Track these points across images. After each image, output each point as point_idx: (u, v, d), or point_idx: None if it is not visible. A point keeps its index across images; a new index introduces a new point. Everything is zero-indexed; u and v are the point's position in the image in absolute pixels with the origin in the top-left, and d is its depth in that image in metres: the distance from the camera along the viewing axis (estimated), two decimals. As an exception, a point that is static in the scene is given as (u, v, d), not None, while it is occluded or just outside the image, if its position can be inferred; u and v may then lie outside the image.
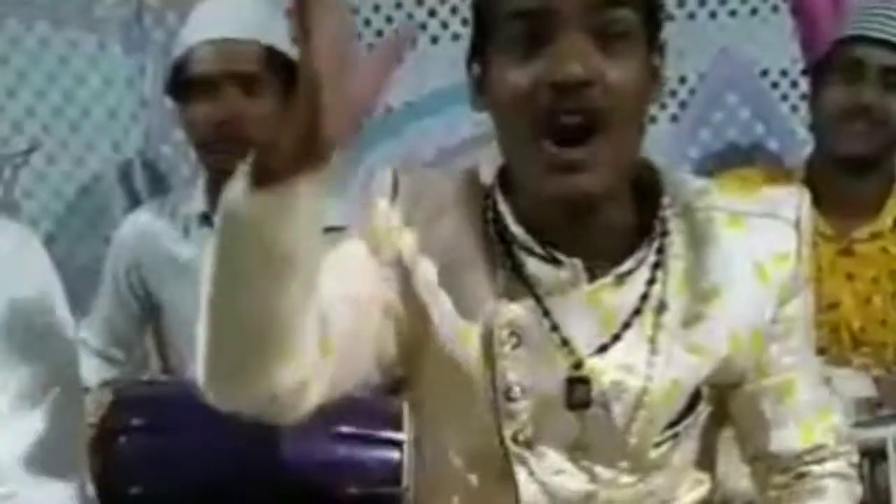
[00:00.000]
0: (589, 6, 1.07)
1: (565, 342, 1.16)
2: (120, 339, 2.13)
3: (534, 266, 1.16)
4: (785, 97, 2.62)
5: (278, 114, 1.99)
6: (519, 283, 1.17)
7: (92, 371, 2.00)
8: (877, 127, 2.09)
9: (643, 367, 1.16)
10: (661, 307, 1.16)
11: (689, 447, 1.24)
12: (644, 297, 1.17)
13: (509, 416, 1.18)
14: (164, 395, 1.92)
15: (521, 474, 1.20)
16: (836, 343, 2.07)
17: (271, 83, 1.97)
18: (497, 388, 1.18)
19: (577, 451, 1.20)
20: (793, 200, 1.22)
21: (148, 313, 2.11)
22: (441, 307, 1.18)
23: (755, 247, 1.18)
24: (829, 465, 1.27)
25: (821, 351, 1.96)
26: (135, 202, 2.34)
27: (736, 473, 1.39)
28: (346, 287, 1.14)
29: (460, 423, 1.22)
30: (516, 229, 1.16)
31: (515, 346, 1.17)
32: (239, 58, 1.95)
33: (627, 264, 1.16)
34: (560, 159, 1.08)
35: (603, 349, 1.17)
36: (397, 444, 1.57)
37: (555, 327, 1.16)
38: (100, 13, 2.34)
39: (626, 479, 1.21)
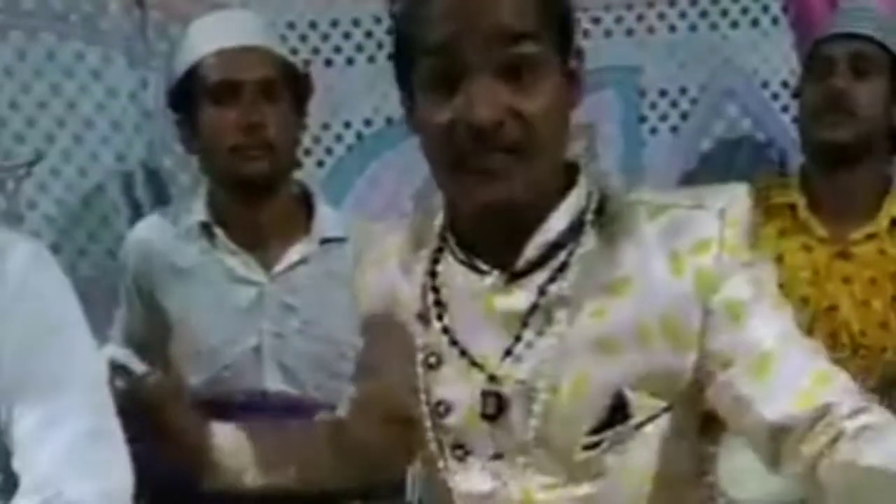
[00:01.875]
0: (495, 41, 1.10)
1: (474, 363, 1.20)
2: (140, 348, 2.11)
3: (457, 278, 1.22)
4: (785, 108, 2.63)
5: (291, 120, 2.02)
6: (432, 305, 1.23)
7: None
8: (849, 117, 2.11)
9: (546, 365, 1.16)
10: (561, 303, 1.16)
11: (637, 459, 1.18)
12: (541, 294, 1.17)
13: (443, 431, 1.23)
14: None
15: (453, 484, 1.23)
16: (835, 347, 2.07)
17: (286, 89, 2.01)
18: (430, 405, 1.23)
19: (496, 456, 1.21)
20: (724, 193, 1.18)
21: (157, 322, 2.11)
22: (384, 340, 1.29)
23: (673, 238, 1.15)
24: (863, 418, 1.08)
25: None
26: (138, 213, 2.35)
27: (739, 480, 1.37)
28: None
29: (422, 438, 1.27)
30: (449, 238, 1.23)
31: (435, 367, 1.22)
32: (258, 64, 1.99)
33: (515, 268, 1.18)
34: (482, 167, 1.11)
35: (507, 353, 1.19)
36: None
37: (463, 352, 1.21)
38: (104, 26, 2.35)
39: (550, 480, 1.19)
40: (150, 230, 2.11)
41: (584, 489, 1.19)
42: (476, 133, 1.10)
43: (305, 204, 2.11)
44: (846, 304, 2.11)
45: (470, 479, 1.22)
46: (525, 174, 1.12)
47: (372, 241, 1.35)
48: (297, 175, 2.12)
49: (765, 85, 2.63)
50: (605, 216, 1.19)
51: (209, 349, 2.04)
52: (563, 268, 1.17)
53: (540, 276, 1.18)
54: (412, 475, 1.46)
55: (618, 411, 1.17)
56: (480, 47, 1.10)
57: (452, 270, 1.22)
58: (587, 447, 1.17)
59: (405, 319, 1.26)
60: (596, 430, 1.17)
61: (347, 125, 2.47)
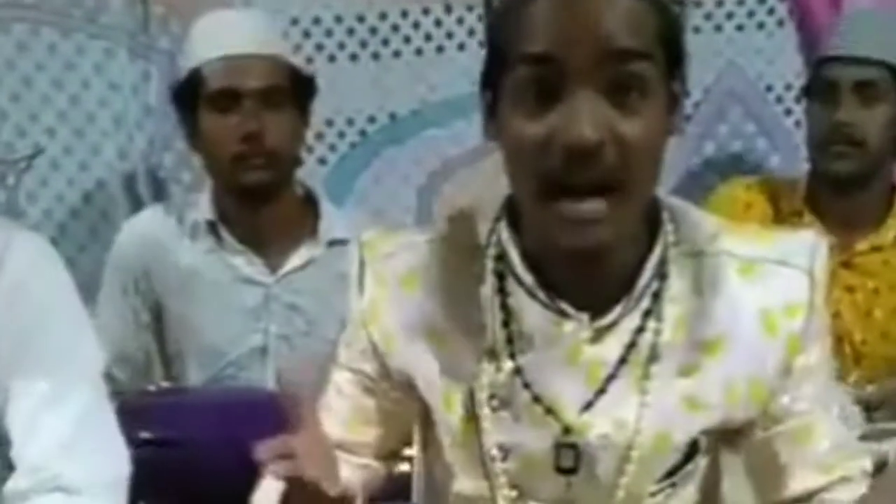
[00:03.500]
0: (605, 59, 1.00)
1: (549, 410, 1.12)
2: (123, 356, 2.08)
3: (533, 317, 1.12)
4: (789, 112, 2.62)
5: (295, 125, 2.01)
6: (505, 341, 1.13)
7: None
8: (856, 147, 2.08)
9: (631, 419, 1.11)
10: (653, 357, 1.11)
11: (688, 493, 1.18)
12: (631, 346, 1.11)
13: (496, 476, 1.15)
14: (170, 406, 1.92)
15: None
16: (837, 355, 2.06)
17: (289, 96, 2.00)
18: (483, 448, 1.15)
19: None
20: (807, 247, 1.15)
21: (154, 317, 2.10)
22: (423, 374, 1.18)
23: (765, 296, 1.12)
24: (845, 493, 1.16)
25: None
26: (138, 209, 2.33)
27: (739, 495, 1.37)
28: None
29: (457, 474, 1.20)
30: (524, 275, 1.12)
31: (496, 409, 1.13)
32: (260, 72, 1.97)
33: (609, 317, 1.10)
34: (575, 214, 1.02)
35: (588, 406, 1.12)
36: (407, 458, 1.57)
37: (536, 398, 1.12)
38: (107, 20, 2.35)
39: None
40: (153, 224, 2.09)
41: None
42: (575, 154, 1.00)
43: (310, 205, 2.10)
44: (848, 314, 2.10)
45: None
46: (618, 217, 1.03)
47: (389, 254, 1.21)
48: (300, 172, 2.12)
49: (769, 88, 2.62)
50: (690, 259, 1.12)
51: (213, 348, 2.03)
52: (649, 313, 1.11)
53: (628, 323, 1.11)
54: (417, 479, 1.44)
55: (688, 456, 1.15)
56: (588, 61, 0.99)
57: (524, 305, 1.12)
58: (654, 493, 1.15)
59: (450, 352, 1.16)
60: (666, 476, 1.14)
61: (351, 122, 2.46)
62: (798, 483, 1.16)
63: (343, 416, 1.25)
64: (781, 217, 2.16)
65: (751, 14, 2.59)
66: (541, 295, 1.11)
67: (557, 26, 1.01)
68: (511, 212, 1.15)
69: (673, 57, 1.05)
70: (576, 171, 1.01)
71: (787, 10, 2.59)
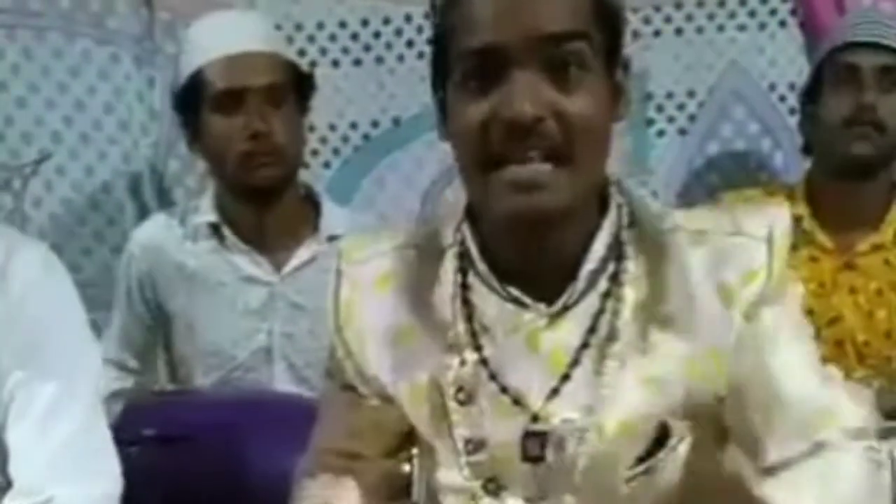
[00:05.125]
0: (539, 43, 1.05)
1: (516, 401, 1.14)
2: (136, 349, 2.14)
3: (493, 310, 1.14)
4: (793, 111, 2.62)
5: (297, 123, 2.02)
6: (468, 335, 1.15)
7: (109, 380, 2.02)
8: (877, 130, 2.09)
9: (591, 402, 1.12)
10: (611, 337, 1.12)
11: (665, 481, 1.17)
12: (591, 330, 1.13)
13: (471, 468, 1.17)
14: (175, 406, 1.93)
15: None
16: (840, 357, 2.06)
17: (290, 93, 2.01)
18: (455, 441, 1.17)
19: (539, 497, 1.16)
20: (765, 217, 1.16)
21: (159, 323, 2.11)
22: (392, 373, 1.20)
23: (720, 268, 1.13)
24: (839, 454, 1.14)
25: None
26: (144, 214, 2.35)
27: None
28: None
29: (440, 466, 1.21)
30: (480, 265, 1.15)
31: (463, 403, 1.15)
32: (263, 70, 1.98)
33: (560, 301, 1.13)
34: (518, 176, 1.06)
35: (555, 392, 1.14)
36: (407, 458, 1.57)
37: (503, 389, 1.14)
38: (112, 25, 2.35)
39: None
40: (156, 230, 2.11)
41: None
42: (515, 129, 1.04)
43: (311, 204, 2.11)
44: (851, 315, 2.10)
45: None
46: (563, 184, 1.06)
47: (365, 259, 1.24)
48: (304, 176, 2.12)
49: (772, 87, 2.62)
50: (644, 239, 1.15)
51: (219, 350, 2.04)
52: (607, 294, 1.13)
53: (586, 307, 1.13)
54: (417, 475, 1.44)
55: (659, 440, 1.15)
56: (525, 43, 1.04)
57: (484, 299, 1.15)
58: (629, 479, 1.14)
59: (416, 349, 1.18)
60: (639, 461, 1.14)
61: (354, 126, 2.47)
62: (777, 451, 1.14)
63: (338, 427, 1.26)
64: None
65: (752, 14, 2.58)
66: (496, 285, 1.14)
67: (493, 18, 1.05)
68: (471, 211, 1.19)
69: (611, 38, 1.10)
70: (517, 146, 1.05)
71: (790, 10, 2.59)
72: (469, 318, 1.16)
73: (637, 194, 1.18)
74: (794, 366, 1.16)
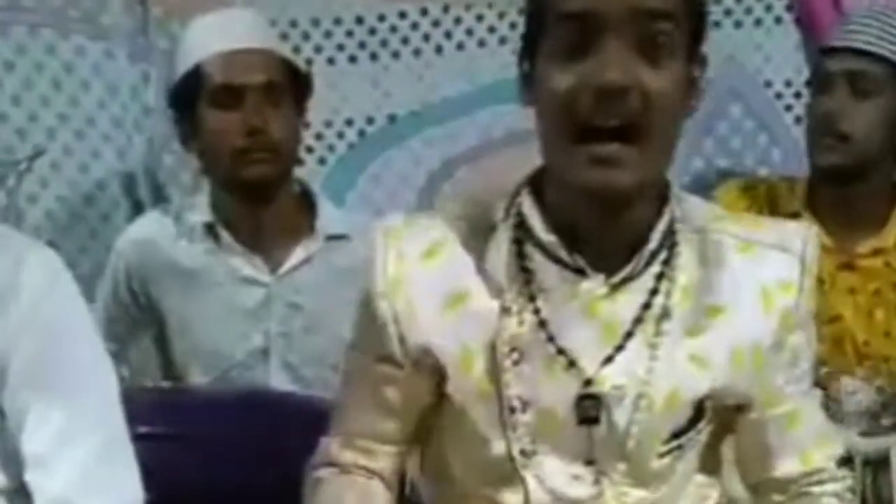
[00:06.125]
0: (635, 16, 1.09)
1: (572, 363, 1.19)
2: (121, 355, 2.13)
3: (552, 277, 1.19)
4: (789, 108, 2.62)
5: (294, 121, 2.01)
6: (525, 299, 1.20)
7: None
8: (842, 141, 2.05)
9: (644, 373, 1.18)
10: (664, 315, 1.19)
11: (691, 458, 1.26)
12: (646, 306, 1.19)
13: (514, 429, 1.20)
14: (170, 403, 1.93)
15: (531, 482, 1.21)
16: (839, 356, 2.06)
17: (288, 91, 2.01)
18: (502, 401, 1.20)
19: (585, 461, 1.21)
20: (800, 235, 1.25)
21: (149, 320, 2.11)
22: (442, 340, 1.22)
23: (762, 274, 1.22)
24: (829, 487, 1.31)
25: (823, 363, 1.96)
26: (139, 211, 2.34)
27: (734, 479, 1.40)
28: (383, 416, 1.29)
29: (468, 437, 1.24)
30: (545, 235, 1.19)
31: (517, 363, 1.19)
32: (261, 67, 1.98)
33: (621, 274, 1.18)
34: (596, 154, 1.11)
35: (608, 360, 1.19)
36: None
37: (560, 351, 1.19)
38: (106, 21, 2.34)
39: (629, 489, 1.22)
40: (150, 228, 2.10)
41: (653, 495, 1.24)
42: (603, 95, 1.09)
43: (307, 203, 2.11)
44: (850, 315, 2.09)
45: (554, 479, 1.22)
46: (637, 162, 1.11)
47: (410, 234, 1.26)
48: (299, 173, 2.12)
49: (768, 84, 2.62)
50: (695, 240, 1.21)
51: (215, 350, 2.04)
52: (661, 276, 1.20)
53: (641, 284, 1.19)
54: (410, 472, 1.45)
55: (693, 420, 1.23)
56: (621, 16, 1.09)
57: (542, 266, 1.20)
58: (662, 455, 1.22)
59: (469, 313, 1.21)
60: (673, 437, 1.22)
61: (350, 123, 2.46)
62: (780, 467, 1.31)
63: (367, 405, 1.30)
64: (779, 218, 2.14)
65: (749, 11, 2.58)
66: (561, 253, 1.19)
67: None
68: (534, 183, 1.23)
69: (696, 28, 1.15)
70: (603, 111, 1.10)
71: (786, 6, 2.59)
72: (526, 282, 1.20)
73: (689, 198, 1.25)
74: (811, 390, 1.33)
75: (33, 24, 2.32)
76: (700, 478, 1.29)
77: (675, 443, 1.22)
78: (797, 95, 2.58)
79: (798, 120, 2.57)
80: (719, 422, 1.27)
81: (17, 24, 2.31)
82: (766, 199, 2.18)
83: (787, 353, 1.24)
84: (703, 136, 2.61)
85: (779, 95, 2.62)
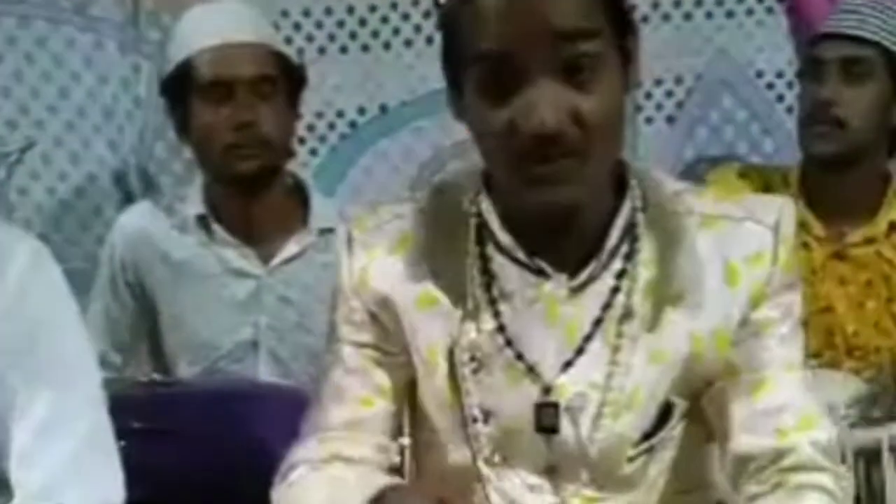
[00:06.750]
0: (554, 43, 1.05)
1: (530, 369, 1.16)
2: (119, 339, 2.13)
3: (513, 280, 1.16)
4: (780, 98, 2.62)
5: (286, 114, 2.01)
6: (486, 303, 1.17)
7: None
8: (837, 128, 2.04)
9: (605, 377, 1.15)
10: (626, 315, 1.15)
11: (663, 463, 1.20)
12: (607, 306, 1.15)
13: (476, 439, 1.17)
14: (162, 397, 1.92)
15: (492, 494, 1.19)
16: (829, 347, 2.06)
17: (280, 85, 2.00)
18: (464, 410, 1.17)
19: (548, 470, 1.18)
20: (775, 205, 1.19)
21: (146, 314, 2.10)
22: (412, 334, 1.20)
23: (727, 249, 1.16)
24: (812, 477, 1.15)
25: (814, 355, 1.96)
26: (129, 202, 2.33)
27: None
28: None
29: (439, 442, 1.22)
30: (503, 237, 1.17)
31: (476, 371, 1.17)
32: (252, 61, 1.98)
33: (583, 276, 1.15)
34: (538, 174, 1.08)
35: (568, 365, 1.16)
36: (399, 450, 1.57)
37: (519, 356, 1.16)
38: (96, 12, 2.34)
39: (597, 494, 1.18)
40: (142, 219, 2.10)
41: (625, 500, 1.19)
42: (539, 139, 1.05)
43: (299, 195, 2.10)
44: (841, 306, 2.09)
45: (514, 491, 1.18)
46: (586, 177, 1.09)
47: (374, 226, 1.23)
48: (291, 164, 2.11)
49: (760, 74, 2.62)
50: (656, 221, 1.17)
51: (204, 341, 2.04)
52: (621, 275, 1.16)
53: (602, 285, 1.15)
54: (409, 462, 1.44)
55: (662, 419, 1.18)
56: (540, 50, 1.05)
57: (504, 269, 1.17)
58: (631, 458, 1.17)
59: (434, 316, 1.18)
60: (642, 440, 1.17)
61: (341, 114, 2.46)
62: (748, 441, 1.16)
63: (354, 393, 1.24)
64: None
65: (740, 1, 2.58)
66: (520, 255, 1.16)
67: (507, 21, 1.05)
68: (487, 182, 1.20)
69: (621, 19, 1.10)
70: (541, 149, 1.06)
71: (777, -3, 2.59)
72: (488, 286, 1.17)
73: (651, 177, 1.20)
74: (786, 354, 1.19)
75: (23, 16, 2.31)
76: (674, 486, 1.22)
77: (645, 444, 1.17)
78: (789, 85, 2.58)
79: (790, 110, 2.56)
80: (693, 413, 1.20)
81: (8, 16, 2.30)
82: (759, 185, 2.17)
83: (753, 327, 1.16)
84: (694, 127, 2.61)
85: (770, 86, 2.62)
